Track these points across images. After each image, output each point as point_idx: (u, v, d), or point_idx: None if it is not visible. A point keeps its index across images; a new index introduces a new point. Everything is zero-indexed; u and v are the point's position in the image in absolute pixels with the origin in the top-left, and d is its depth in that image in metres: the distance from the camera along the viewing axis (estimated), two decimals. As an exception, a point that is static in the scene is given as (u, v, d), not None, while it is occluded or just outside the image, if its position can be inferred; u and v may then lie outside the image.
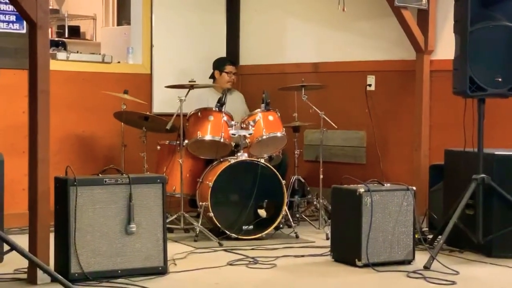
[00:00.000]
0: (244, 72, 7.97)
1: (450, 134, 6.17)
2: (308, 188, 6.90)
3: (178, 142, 6.36)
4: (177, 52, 7.72)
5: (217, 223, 5.98)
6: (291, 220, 6.28)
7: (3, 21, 6.40)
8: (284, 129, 6.44)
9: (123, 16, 9.67)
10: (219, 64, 7.32)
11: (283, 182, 6.15)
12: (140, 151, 6.54)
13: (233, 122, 6.33)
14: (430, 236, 5.76)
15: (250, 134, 6.26)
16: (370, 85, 7.22)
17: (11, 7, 6.27)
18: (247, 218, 6.06)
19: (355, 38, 7.36)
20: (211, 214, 5.97)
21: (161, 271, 4.77)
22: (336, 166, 7.24)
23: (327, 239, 5.88)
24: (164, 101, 7.40)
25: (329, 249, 5.35)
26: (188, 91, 6.35)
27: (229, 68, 7.30)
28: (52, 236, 4.63)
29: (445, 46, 6.61)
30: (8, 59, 6.01)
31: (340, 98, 7.35)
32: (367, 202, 5.05)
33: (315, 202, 6.71)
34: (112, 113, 6.66)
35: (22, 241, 4.45)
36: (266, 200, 6.09)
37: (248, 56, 8.12)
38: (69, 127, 6.95)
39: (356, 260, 5.03)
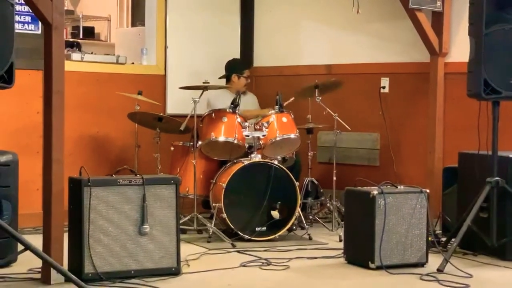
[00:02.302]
0: (258, 74, 7.96)
1: (464, 137, 6.14)
2: (322, 190, 6.88)
3: (191, 143, 6.36)
4: (191, 53, 7.72)
5: (230, 224, 5.98)
6: (304, 222, 6.28)
7: (19, 22, 6.41)
8: (297, 130, 6.44)
9: (137, 17, 9.68)
10: (238, 68, 7.29)
11: (297, 183, 6.15)
12: (154, 152, 6.55)
13: (246, 124, 6.33)
14: (444, 239, 5.74)
15: (263, 135, 6.26)
16: (384, 87, 7.20)
17: (26, 8, 6.29)
18: (260, 220, 6.06)
19: (369, 40, 7.34)
20: (224, 215, 5.98)
21: (174, 272, 4.78)
22: (350, 168, 7.23)
23: (340, 241, 5.87)
24: (178, 102, 7.41)
25: (342, 251, 5.35)
26: (202, 92, 6.35)
27: (247, 72, 7.32)
28: (66, 236, 4.64)
29: (459, 49, 6.59)
30: (23, 60, 6.01)
31: (354, 100, 7.34)
32: (381, 204, 5.04)
33: (328, 204, 6.70)
34: (126, 114, 6.68)
35: (36, 241, 4.47)
36: (279, 202, 6.09)
37: (262, 58, 8.12)
38: (83, 128, 6.97)
39: (369, 262, 5.02)
